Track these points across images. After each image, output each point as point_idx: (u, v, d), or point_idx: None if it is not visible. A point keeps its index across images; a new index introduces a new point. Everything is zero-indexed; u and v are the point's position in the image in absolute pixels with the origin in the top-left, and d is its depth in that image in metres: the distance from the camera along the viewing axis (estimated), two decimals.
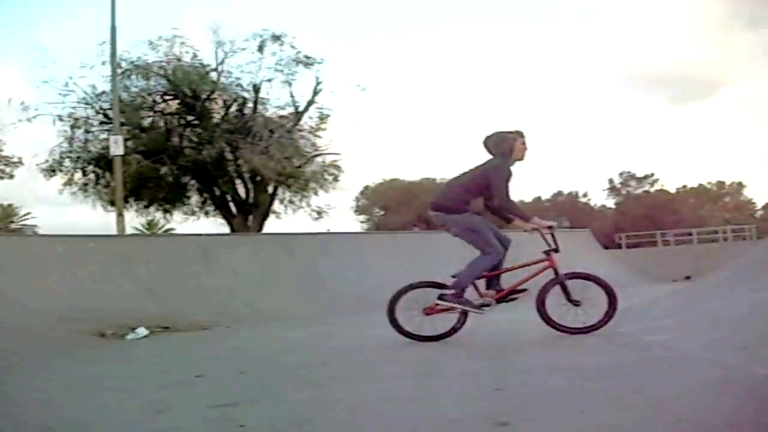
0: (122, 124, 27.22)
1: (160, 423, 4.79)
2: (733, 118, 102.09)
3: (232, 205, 33.32)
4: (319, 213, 35.85)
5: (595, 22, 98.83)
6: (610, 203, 74.52)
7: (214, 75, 32.16)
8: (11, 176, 33.57)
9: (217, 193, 33.29)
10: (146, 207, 34.06)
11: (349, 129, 33.19)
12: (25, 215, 39.50)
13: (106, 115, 30.26)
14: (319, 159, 35.03)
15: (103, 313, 12.15)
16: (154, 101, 32.12)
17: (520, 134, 8.25)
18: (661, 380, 5.21)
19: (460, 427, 4.19)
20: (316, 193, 35.50)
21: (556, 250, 8.29)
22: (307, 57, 33.11)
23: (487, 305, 8.19)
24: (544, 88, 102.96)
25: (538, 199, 76.35)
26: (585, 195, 75.86)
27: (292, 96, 33.67)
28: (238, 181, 33.17)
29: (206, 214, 34.67)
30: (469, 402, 4.82)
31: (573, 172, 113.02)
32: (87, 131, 31.59)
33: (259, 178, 32.54)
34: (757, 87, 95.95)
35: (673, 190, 74.46)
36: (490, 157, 8.24)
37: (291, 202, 35.61)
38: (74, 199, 32.73)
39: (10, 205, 38.88)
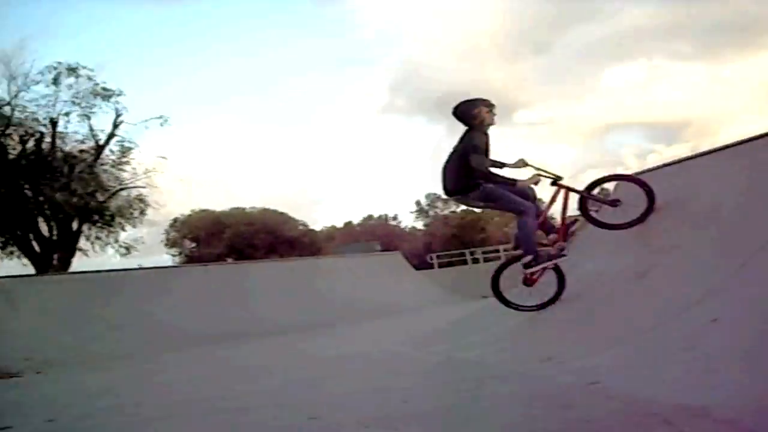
0: None
1: None
2: (527, 139, 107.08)
3: (35, 245, 31.84)
4: (128, 249, 35.06)
5: (392, 51, 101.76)
6: (420, 225, 76.27)
7: (7, 109, 30.85)
8: None
9: (19, 232, 31.71)
10: None
11: (154, 161, 32.48)
12: None
13: None
14: (124, 193, 34.19)
15: None
16: None
17: (483, 101, 8.42)
18: (472, 397, 5.42)
19: None
20: (123, 229, 34.64)
21: (560, 177, 8.55)
22: (105, 89, 32.56)
23: (563, 248, 8.48)
24: (341, 115, 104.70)
25: (349, 223, 77.28)
26: (395, 218, 77.38)
27: (91, 129, 32.91)
28: (40, 219, 31.78)
29: (9, 255, 32.79)
30: None
31: (382, 195, 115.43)
32: None
33: (62, 215, 31.41)
34: (545, 108, 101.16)
35: (478, 210, 77.10)
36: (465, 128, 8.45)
37: (98, 238, 34.41)
38: None
39: None
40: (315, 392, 6.61)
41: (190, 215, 64.54)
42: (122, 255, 34.93)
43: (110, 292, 17.41)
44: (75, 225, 32.58)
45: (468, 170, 8.12)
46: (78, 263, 32.73)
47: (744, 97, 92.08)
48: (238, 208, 64.98)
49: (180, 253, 65.17)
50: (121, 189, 34.09)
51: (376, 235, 63.15)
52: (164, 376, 9.99)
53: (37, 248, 31.78)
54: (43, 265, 31.10)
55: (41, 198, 30.48)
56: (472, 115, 8.31)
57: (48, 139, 31.92)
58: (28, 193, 30.68)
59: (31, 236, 31.80)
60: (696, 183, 8.56)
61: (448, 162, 8.43)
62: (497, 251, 40.77)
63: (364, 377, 7.33)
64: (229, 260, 45.23)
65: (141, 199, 34.52)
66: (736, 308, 5.42)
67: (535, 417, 4.41)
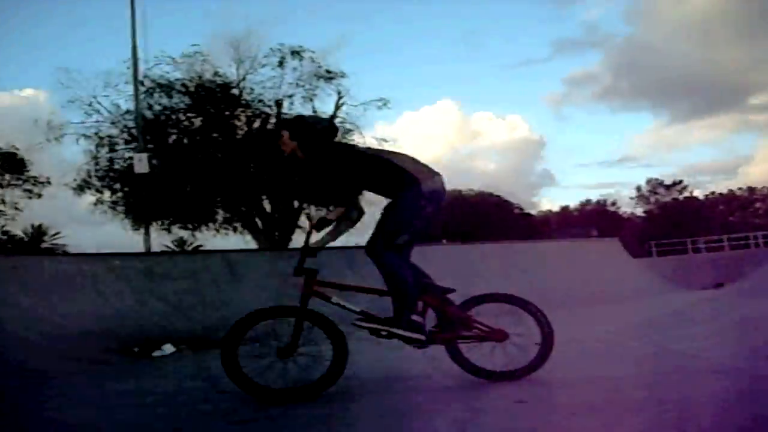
0: (147, 143, 27.36)
1: None
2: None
3: (258, 221, 33.28)
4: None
5: (617, 32, 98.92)
6: (639, 211, 74.15)
7: (235, 91, 32.43)
8: (39, 195, 33.86)
9: (243, 209, 33.19)
10: (172, 224, 33.81)
11: (374, 143, 32.84)
12: (54, 235, 39.68)
13: (131, 134, 30.44)
14: None
15: (130, 330, 12.14)
16: (178, 119, 32.12)
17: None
18: (689, 391, 5.12)
19: None
20: None
21: None
22: (328, 71, 33.39)
23: None
24: (560, 97, 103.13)
25: (566, 208, 76.19)
26: (614, 203, 75.55)
27: (314, 111, 33.60)
28: (263, 197, 33.10)
29: (234, 230, 34.50)
30: None
31: (600, 179, 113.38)
32: (111, 150, 31.78)
33: (283, 194, 32.41)
34: None
35: (701, 197, 74.11)
36: None
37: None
38: (105, 218, 32.81)
39: (39, 225, 39.10)
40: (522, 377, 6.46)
41: None
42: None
43: (324, 267, 17.76)
44: (296, 203, 33.67)
45: None
46: (298, 240, 33.76)
47: None
48: (454, 191, 65.36)
49: None
50: None
51: (593, 221, 62.01)
52: (371, 353, 10.10)
53: (259, 224, 33.22)
54: (265, 240, 32.51)
55: (265, 176, 31.54)
56: None
57: (273, 120, 33.05)
58: (254, 171, 31.85)
59: (255, 213, 33.27)
60: None
61: None
62: (720, 241, 38.99)
63: (573, 365, 7.11)
64: (444, 242, 45.40)
65: None
66: None
67: (757, 417, 4.08)
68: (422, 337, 5.93)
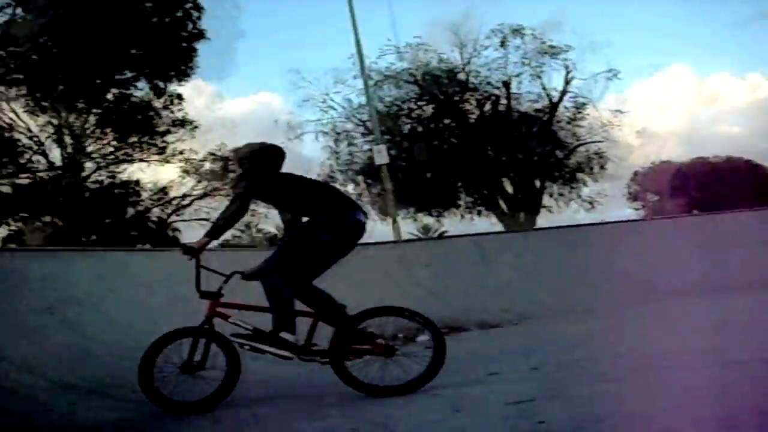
0: (383, 133, 27.78)
1: (460, 420, 4.76)
2: None
3: (502, 203, 33.11)
4: (591, 203, 34.81)
5: None
6: None
7: (462, 76, 32.48)
8: None
9: (486, 192, 33.19)
10: (417, 212, 34.41)
11: (609, 115, 32.01)
12: None
13: (366, 127, 31.20)
14: (582, 149, 34.11)
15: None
16: (409, 108, 32.61)
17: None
18: None
19: None
20: (584, 184, 34.58)
21: None
22: (552, 47, 32.70)
23: None
24: None
25: None
26: None
27: (543, 88, 33.23)
28: (504, 179, 32.96)
29: (478, 213, 34.38)
30: None
31: None
32: (350, 144, 32.89)
33: (524, 174, 32.19)
34: None
35: None
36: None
37: (560, 194, 34.63)
38: None
39: None
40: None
41: (651, 168, 63.25)
42: (586, 210, 34.73)
43: (576, 246, 17.29)
44: (537, 183, 33.28)
45: None
46: (543, 220, 33.38)
47: None
48: (701, 158, 62.54)
49: (643, 207, 64.31)
50: (579, 145, 34.15)
51: None
52: (637, 329, 9.79)
53: (504, 207, 33.02)
54: (511, 222, 32.25)
55: (503, 158, 31.43)
56: None
57: (503, 101, 32.92)
58: (491, 154, 31.81)
59: (498, 195, 33.13)
60: None
61: None
62: None
63: None
64: (695, 212, 43.46)
65: (600, 154, 34.17)
66: None
67: None
68: (288, 354, 6.00)
